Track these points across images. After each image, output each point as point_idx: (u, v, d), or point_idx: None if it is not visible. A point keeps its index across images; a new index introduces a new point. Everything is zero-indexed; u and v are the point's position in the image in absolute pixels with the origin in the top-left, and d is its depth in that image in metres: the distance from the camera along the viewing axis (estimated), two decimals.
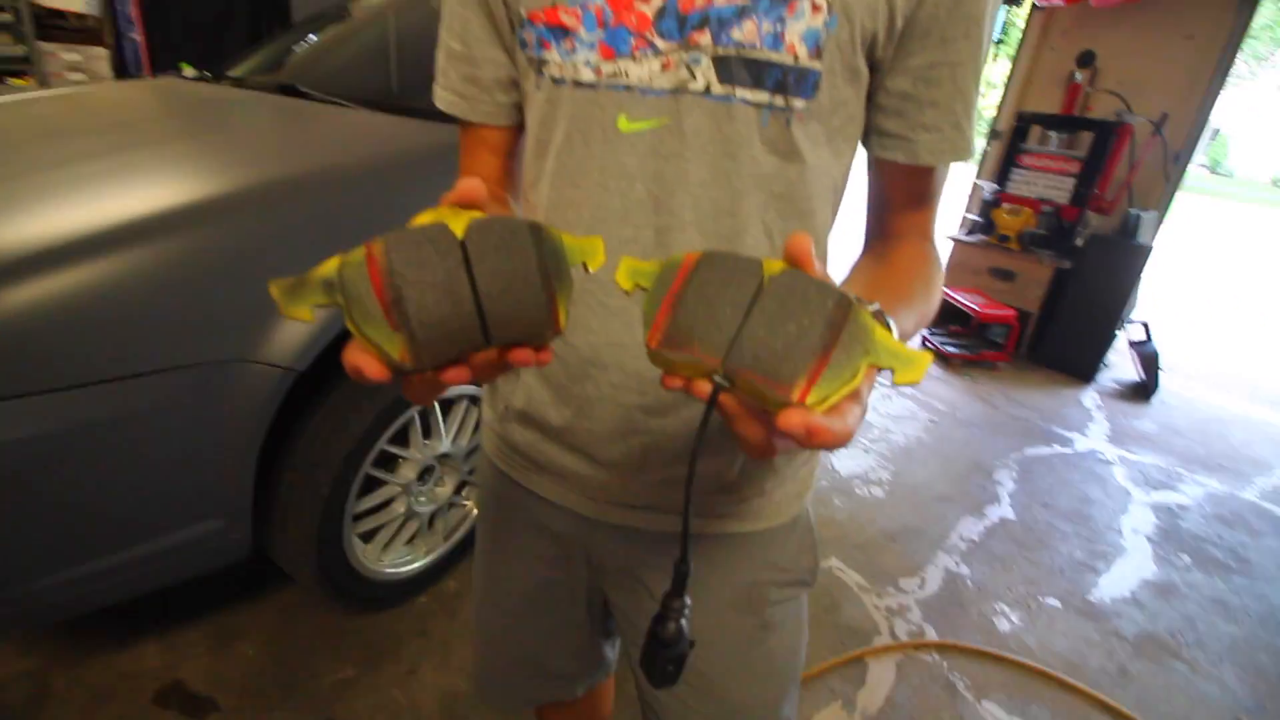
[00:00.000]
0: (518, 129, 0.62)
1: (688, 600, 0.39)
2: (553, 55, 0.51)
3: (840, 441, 0.30)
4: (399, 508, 1.50)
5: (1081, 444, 2.93)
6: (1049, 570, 2.03)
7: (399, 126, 1.69)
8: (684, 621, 0.39)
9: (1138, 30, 3.44)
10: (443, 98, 0.61)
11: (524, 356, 0.35)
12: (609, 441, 0.57)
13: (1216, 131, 3.52)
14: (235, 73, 2.17)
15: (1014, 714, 1.50)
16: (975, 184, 4.18)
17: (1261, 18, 3.07)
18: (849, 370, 0.31)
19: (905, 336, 0.42)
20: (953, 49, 0.49)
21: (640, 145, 0.50)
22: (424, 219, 0.34)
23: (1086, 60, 3.65)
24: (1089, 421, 3.18)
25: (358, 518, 1.42)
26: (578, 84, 0.51)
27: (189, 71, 2.26)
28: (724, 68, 0.47)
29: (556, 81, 0.52)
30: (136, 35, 3.68)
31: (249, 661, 1.40)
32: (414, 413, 1.42)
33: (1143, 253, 3.44)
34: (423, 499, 1.54)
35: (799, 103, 0.48)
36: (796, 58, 0.47)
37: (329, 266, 0.33)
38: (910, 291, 0.51)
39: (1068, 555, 2.12)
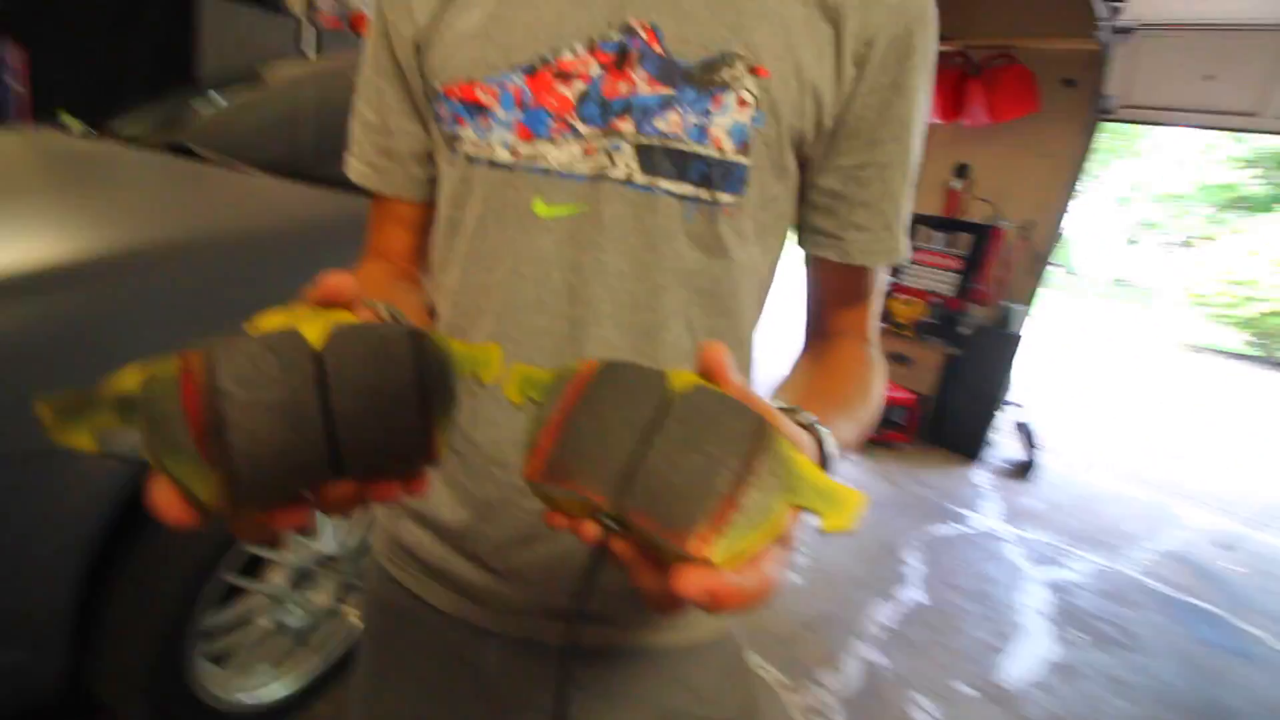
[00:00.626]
0: (432, 204, 0.59)
1: None
2: (467, 132, 0.49)
3: (755, 602, 0.25)
4: (263, 621, 1.29)
5: (978, 521, 3.05)
6: (960, 655, 2.03)
7: (301, 194, 1.59)
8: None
9: (1005, 148, 3.92)
10: (355, 168, 0.58)
11: (388, 492, 0.29)
12: (510, 548, 0.52)
13: (1063, 236, 4.00)
14: (125, 129, 2.01)
15: None
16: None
17: (1099, 142, 3.60)
18: (765, 514, 0.25)
19: (845, 447, 0.39)
20: (881, 151, 0.49)
21: (558, 231, 0.48)
22: (272, 321, 0.28)
23: (962, 171, 4.11)
24: (981, 500, 3.33)
25: (209, 635, 1.21)
26: (493, 164, 0.48)
27: (73, 125, 2.08)
28: (647, 157, 0.46)
29: (471, 160, 0.49)
30: (19, 84, 3.40)
31: None
32: None
33: (1014, 340, 3.77)
34: (295, 611, 1.34)
35: (726, 197, 0.47)
36: (722, 151, 0.45)
37: (128, 379, 0.26)
38: (847, 397, 0.48)
39: (975, 638, 2.14)
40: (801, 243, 0.55)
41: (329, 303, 0.30)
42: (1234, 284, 10.09)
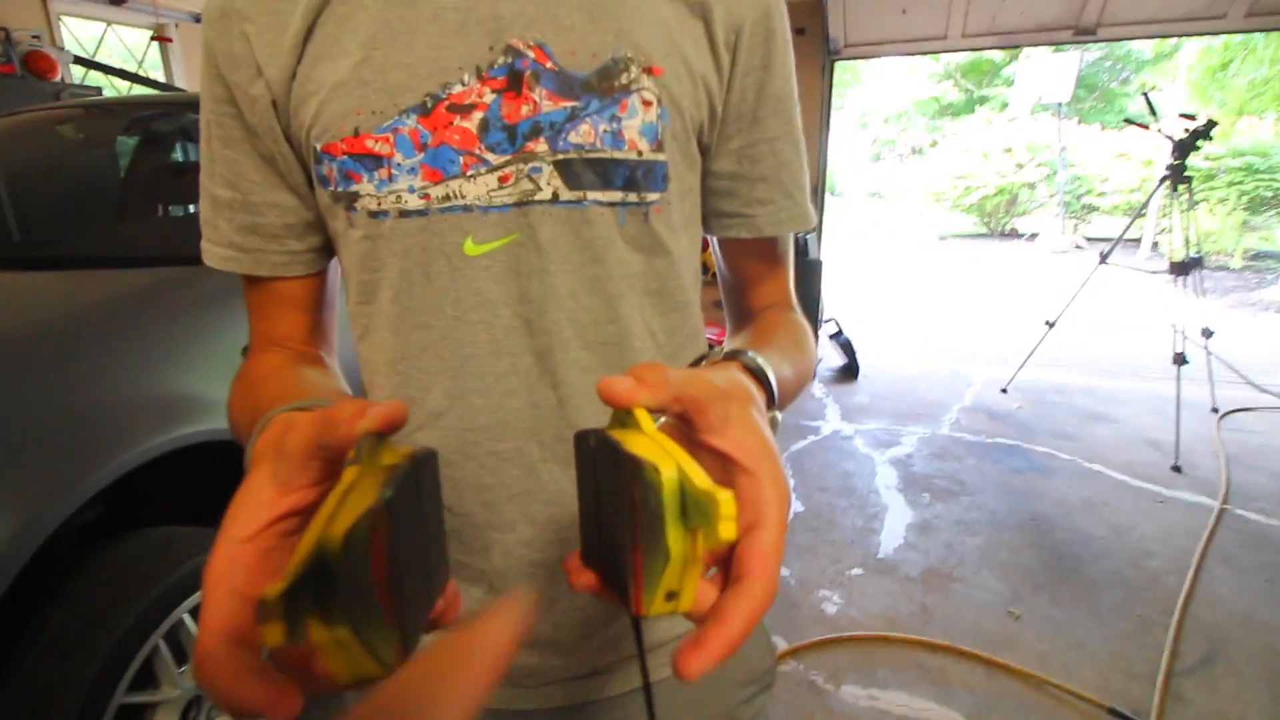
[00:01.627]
0: (321, 275, 0.53)
1: None
2: (365, 187, 0.45)
3: (745, 626, 0.25)
4: None
5: (826, 428, 3.43)
6: (844, 545, 2.31)
7: (39, 284, 1.35)
8: None
9: None
10: (215, 254, 0.50)
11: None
12: (533, 615, 0.49)
13: (826, 166, 4.55)
14: None
15: (869, 687, 1.65)
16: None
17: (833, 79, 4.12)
18: (659, 550, 0.24)
19: (785, 388, 0.40)
20: (766, 126, 0.50)
21: (495, 267, 0.45)
22: (350, 479, 0.24)
23: None
24: (824, 408, 3.75)
25: None
26: (404, 214, 0.45)
27: None
28: (569, 172, 0.45)
29: (375, 215, 0.45)
30: None
31: None
32: (158, 639, 1.10)
33: (817, 266, 4.23)
34: None
35: (652, 196, 0.47)
36: (640, 152, 0.45)
37: (329, 535, 0.21)
38: (780, 347, 0.47)
39: (851, 526, 2.44)
40: (710, 230, 0.55)
41: (390, 429, 0.27)
42: (958, 178, 12.11)
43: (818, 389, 4.10)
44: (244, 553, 0.26)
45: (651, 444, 0.25)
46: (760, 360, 0.37)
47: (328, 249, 0.52)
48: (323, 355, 0.54)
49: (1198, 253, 3.32)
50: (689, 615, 0.26)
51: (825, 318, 4.56)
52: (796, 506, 2.58)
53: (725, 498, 0.24)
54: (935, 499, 2.64)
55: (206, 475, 1.19)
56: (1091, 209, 11.44)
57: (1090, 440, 3.22)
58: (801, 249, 4.25)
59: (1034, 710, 1.57)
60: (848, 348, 4.39)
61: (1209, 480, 2.75)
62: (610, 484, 0.27)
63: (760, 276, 0.58)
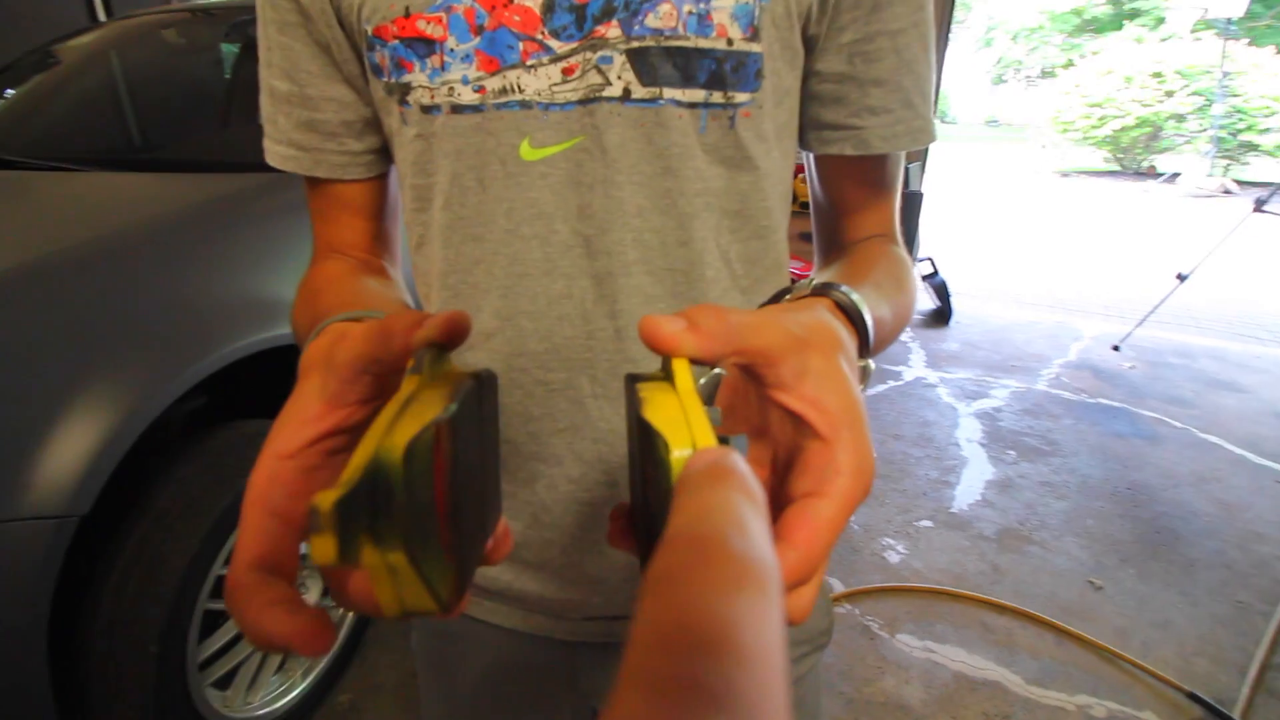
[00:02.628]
0: (381, 181, 0.50)
1: None
2: (418, 77, 0.40)
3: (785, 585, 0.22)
4: None
5: (908, 374, 3.27)
6: (915, 495, 2.23)
7: (148, 185, 1.42)
8: None
9: None
10: (276, 152, 0.48)
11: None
12: (578, 553, 0.47)
13: (939, 88, 4.12)
14: None
15: (924, 638, 1.62)
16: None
17: None
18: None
19: (882, 332, 0.34)
20: (889, 15, 0.41)
21: (554, 176, 0.41)
22: (392, 430, 0.20)
23: None
24: (909, 353, 3.56)
25: (205, 665, 1.17)
26: (456, 109, 0.41)
27: None
28: (643, 64, 0.39)
29: (427, 110, 0.41)
30: None
31: None
32: None
33: (917, 199, 3.92)
34: None
35: (741, 97, 0.40)
36: (730, 41, 0.39)
37: (385, 450, 0.19)
38: (875, 276, 0.41)
39: (925, 477, 2.34)
40: (808, 145, 0.47)
41: (453, 338, 0.24)
42: (1092, 106, 10.76)
43: (905, 333, 3.89)
44: (285, 470, 0.24)
45: (677, 411, 0.21)
46: (855, 297, 0.31)
47: (386, 152, 0.49)
48: (385, 265, 0.52)
49: None
50: None
51: (920, 256, 4.27)
52: None
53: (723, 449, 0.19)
54: (1022, 457, 2.49)
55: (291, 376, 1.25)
56: (1250, 148, 9.98)
57: (1210, 409, 2.92)
58: (905, 180, 3.94)
59: (1104, 684, 1.49)
60: (941, 290, 4.11)
61: None
62: (639, 451, 0.23)
63: (861, 203, 0.49)
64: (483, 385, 0.25)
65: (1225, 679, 1.51)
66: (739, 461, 0.16)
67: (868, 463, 0.24)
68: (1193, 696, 1.44)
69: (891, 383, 3.17)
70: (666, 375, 0.24)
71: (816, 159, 0.50)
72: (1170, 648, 1.60)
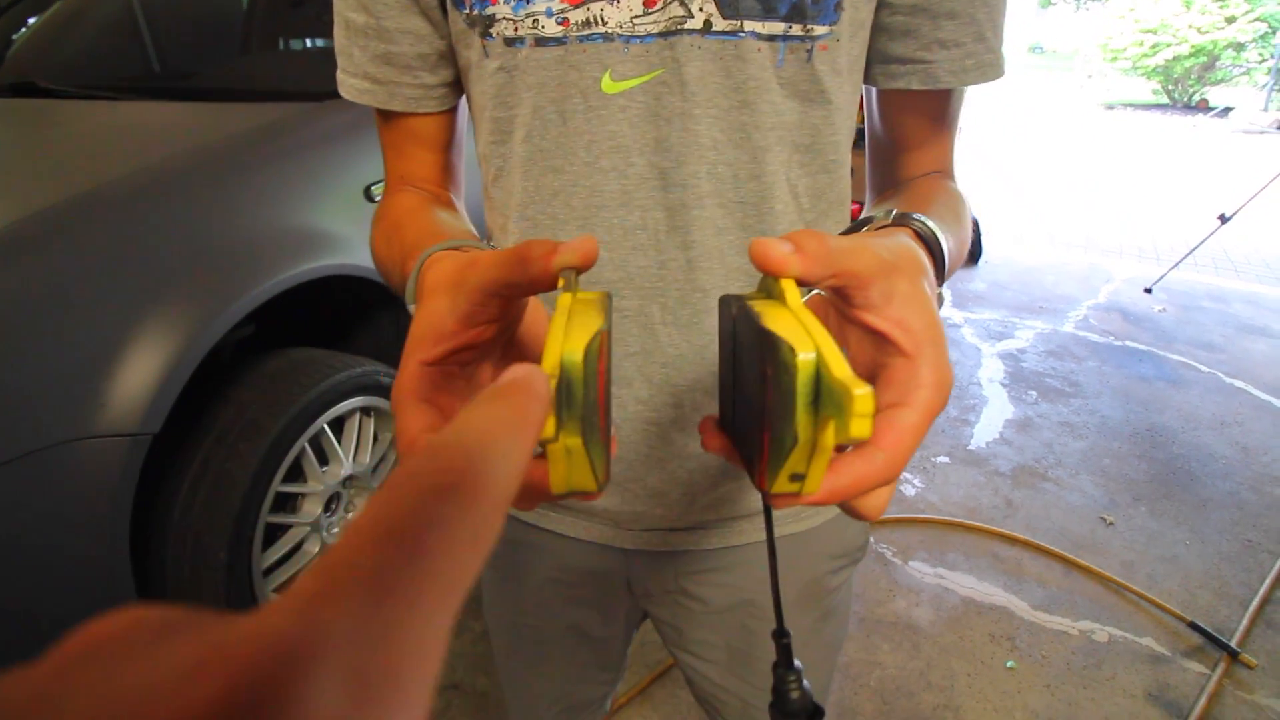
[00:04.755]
0: (452, 114, 0.52)
1: (799, 665, 0.34)
2: (502, 9, 0.41)
3: (873, 484, 0.25)
4: (313, 547, 1.36)
5: None
6: (934, 433, 2.27)
7: (186, 115, 1.44)
8: (805, 684, 0.34)
9: None
10: (351, 86, 0.49)
11: None
12: (643, 469, 0.50)
13: None
14: None
15: (936, 565, 1.69)
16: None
17: None
18: (787, 433, 0.23)
19: (951, 259, 0.35)
20: None
21: (633, 109, 0.42)
22: (570, 335, 0.24)
23: None
24: None
25: (268, 572, 1.28)
26: (540, 41, 0.41)
27: None
28: None
29: (511, 43, 0.42)
30: None
31: None
32: (304, 443, 1.28)
33: None
34: (336, 530, 1.41)
35: (820, 30, 0.40)
36: None
37: (570, 351, 0.22)
38: (937, 209, 0.41)
39: (944, 416, 2.38)
40: (873, 80, 0.47)
41: (585, 266, 0.26)
42: (1146, 32, 10.10)
43: None
44: (430, 373, 0.27)
45: (794, 321, 0.24)
46: (933, 225, 0.33)
47: (458, 85, 0.51)
48: (452, 198, 0.53)
49: None
50: (810, 503, 0.25)
51: None
52: None
53: (862, 394, 0.21)
54: (1043, 398, 2.51)
55: (332, 306, 1.30)
56: None
57: (1239, 354, 2.89)
58: None
59: (1107, 613, 1.57)
60: (972, 228, 4.03)
61: None
62: (748, 356, 0.26)
63: (923, 139, 0.49)
64: (611, 302, 0.28)
65: (1226, 611, 1.57)
66: (532, 379, 0.17)
67: (947, 378, 0.26)
68: (1193, 625, 1.51)
69: None
70: (767, 295, 0.27)
71: (879, 94, 0.50)
72: (1175, 581, 1.66)
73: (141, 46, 1.86)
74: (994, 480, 2.03)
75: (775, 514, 0.56)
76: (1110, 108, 10.68)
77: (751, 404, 0.25)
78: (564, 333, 0.23)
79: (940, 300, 0.33)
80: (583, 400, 0.22)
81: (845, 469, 0.25)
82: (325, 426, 1.32)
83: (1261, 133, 8.62)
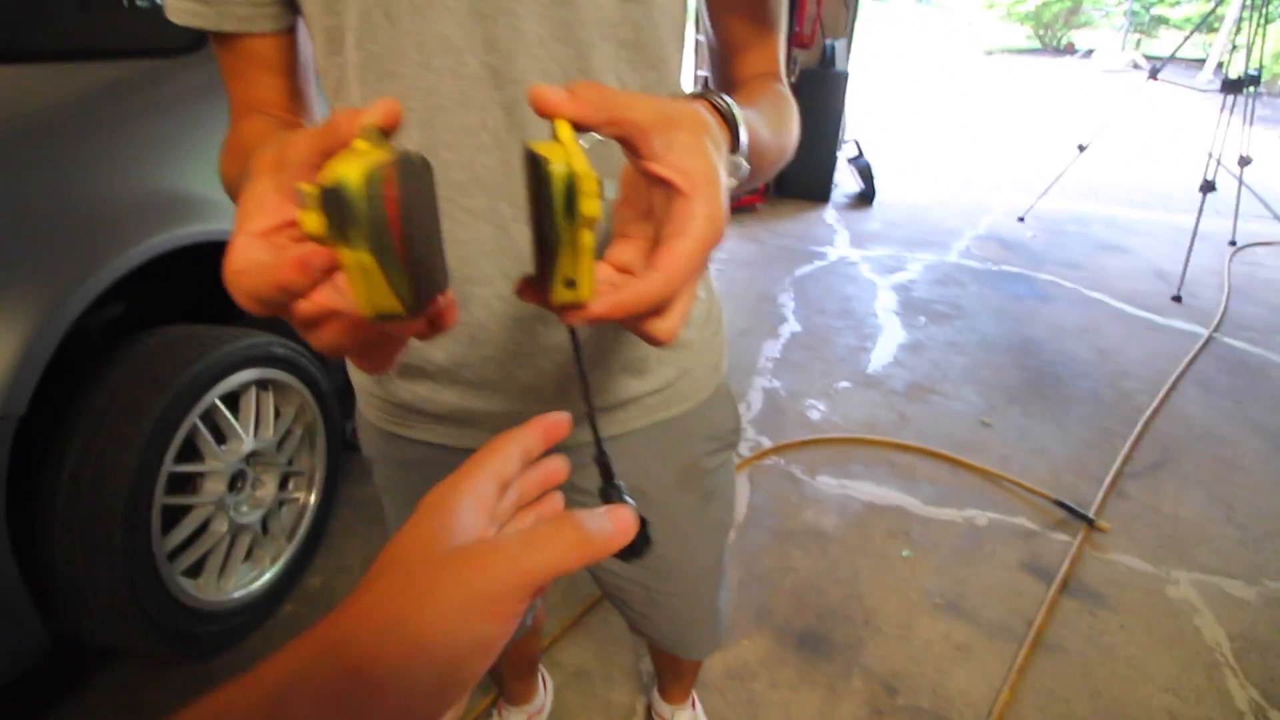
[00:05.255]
0: (291, 35, 0.50)
1: (620, 483, 0.37)
2: None
3: (646, 304, 0.28)
4: (220, 527, 1.32)
5: (833, 254, 3.42)
6: (835, 361, 2.41)
7: (15, 77, 1.31)
8: (627, 498, 0.36)
9: None
10: (177, 9, 0.47)
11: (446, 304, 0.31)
12: (514, 365, 0.52)
13: None
14: None
15: (840, 478, 1.82)
16: (696, 38, 4.36)
17: None
18: (553, 236, 0.26)
19: (757, 146, 0.37)
20: None
21: (459, 8, 0.42)
22: (352, 160, 0.24)
23: None
24: (834, 234, 3.70)
25: (174, 554, 1.23)
26: None
27: None
28: None
29: None
30: None
31: None
32: (194, 420, 1.22)
33: (843, 79, 3.92)
34: (244, 509, 1.37)
35: None
36: None
37: (347, 170, 0.23)
38: (758, 105, 0.44)
39: (845, 345, 2.53)
40: None
41: (389, 129, 0.27)
42: None
43: (829, 215, 4.01)
44: (261, 242, 0.28)
45: (559, 149, 0.27)
46: (727, 99, 0.35)
47: (292, 3, 0.49)
48: (304, 125, 0.52)
49: (1256, 70, 3.02)
50: (594, 317, 0.28)
51: (845, 138, 4.32)
52: (794, 327, 2.66)
53: (589, 175, 0.25)
54: (931, 321, 2.70)
55: (210, 278, 1.24)
56: (1161, 22, 10.21)
57: (1097, 270, 3.20)
58: (828, 58, 3.90)
59: (987, 501, 1.74)
60: (866, 172, 4.21)
61: (1206, 311, 2.77)
62: (532, 193, 0.28)
63: (748, 41, 0.53)
64: (421, 161, 0.29)
65: (1086, 489, 1.78)
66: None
67: (719, 213, 0.28)
68: (1058, 503, 1.71)
69: (818, 263, 3.31)
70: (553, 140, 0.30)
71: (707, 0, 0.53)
72: (1044, 469, 1.86)
73: None
74: (889, 398, 2.19)
75: (648, 402, 0.60)
76: (990, 53, 11.28)
77: (540, 235, 0.28)
78: (344, 159, 0.24)
79: (737, 169, 0.37)
80: (368, 218, 0.23)
81: (626, 287, 0.28)
82: (218, 402, 1.27)
83: (1119, 71, 9.36)
